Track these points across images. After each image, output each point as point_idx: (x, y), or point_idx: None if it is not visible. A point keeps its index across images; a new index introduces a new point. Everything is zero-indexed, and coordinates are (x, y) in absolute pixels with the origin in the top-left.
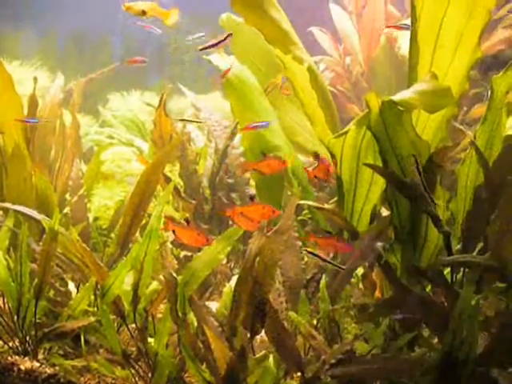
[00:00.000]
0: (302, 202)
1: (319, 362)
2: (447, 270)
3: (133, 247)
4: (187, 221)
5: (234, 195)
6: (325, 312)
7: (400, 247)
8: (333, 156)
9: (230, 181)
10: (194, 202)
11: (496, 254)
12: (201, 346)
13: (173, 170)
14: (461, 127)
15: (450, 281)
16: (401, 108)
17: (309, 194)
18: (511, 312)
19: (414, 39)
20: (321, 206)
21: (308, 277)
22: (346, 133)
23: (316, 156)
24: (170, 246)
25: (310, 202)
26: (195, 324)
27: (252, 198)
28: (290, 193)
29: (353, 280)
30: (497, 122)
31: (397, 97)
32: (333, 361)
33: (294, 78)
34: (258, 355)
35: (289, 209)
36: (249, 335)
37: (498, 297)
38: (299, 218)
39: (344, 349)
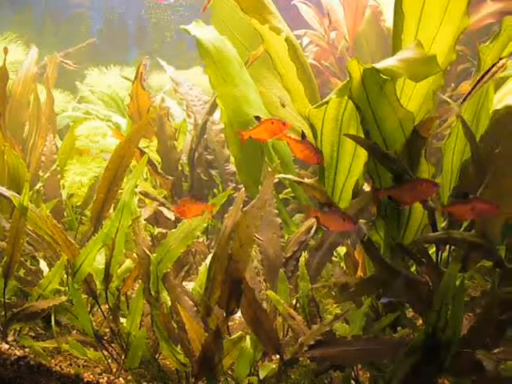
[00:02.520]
0: (279, 176)
1: (298, 343)
2: (433, 250)
3: (104, 223)
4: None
5: (213, 172)
6: (304, 291)
7: (383, 224)
8: (313, 128)
9: (210, 157)
10: (171, 178)
11: (481, 231)
12: (175, 326)
13: (150, 146)
14: (446, 98)
15: (435, 259)
16: (384, 76)
17: (291, 170)
18: (496, 292)
19: (398, 7)
20: (300, 179)
21: (288, 255)
22: (327, 103)
23: (303, 136)
24: (144, 222)
25: (289, 176)
26: (169, 304)
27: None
28: (270, 169)
29: (335, 259)
30: (484, 94)
31: (380, 64)
32: (311, 342)
33: (271, 50)
34: (233, 336)
35: (266, 183)
36: (224, 315)
37: (483, 277)
38: (281, 196)
39: (323, 330)
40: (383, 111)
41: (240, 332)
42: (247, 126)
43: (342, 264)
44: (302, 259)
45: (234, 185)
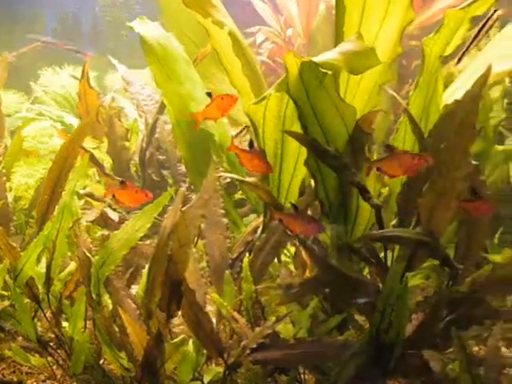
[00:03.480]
0: (222, 174)
1: (241, 346)
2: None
3: (45, 225)
4: (123, 182)
5: (165, 172)
6: (247, 293)
7: (329, 223)
8: (254, 126)
9: (162, 157)
10: (118, 178)
11: (427, 229)
12: (117, 330)
13: (100, 147)
14: (393, 93)
15: (383, 259)
16: (323, 70)
17: (238, 169)
18: (443, 291)
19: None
20: (242, 178)
21: (234, 256)
22: (266, 99)
23: (250, 145)
24: (87, 224)
25: (230, 174)
26: (110, 307)
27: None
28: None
29: (285, 259)
30: (432, 89)
31: (318, 57)
32: (254, 345)
33: (217, 45)
34: (175, 339)
35: (207, 181)
36: (165, 318)
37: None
38: (238, 196)
39: (265, 332)
40: (323, 106)
41: (182, 335)
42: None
43: (291, 265)
44: (245, 260)
45: (186, 185)
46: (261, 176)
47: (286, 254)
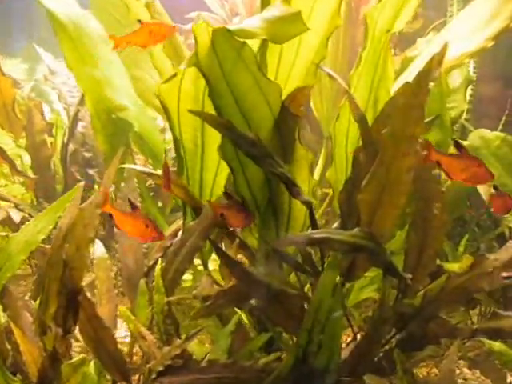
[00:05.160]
0: (125, 165)
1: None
2: None
3: None
4: (132, 204)
5: (91, 171)
6: (159, 305)
7: (257, 225)
8: (167, 111)
9: (88, 155)
10: (33, 177)
11: (366, 230)
12: (9, 347)
13: (19, 142)
14: (330, 72)
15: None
16: (241, 39)
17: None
18: (385, 305)
19: None
20: (151, 171)
21: (150, 263)
22: (178, 77)
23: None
24: None
25: (135, 166)
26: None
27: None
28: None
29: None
30: (380, 71)
31: (233, 25)
32: (160, 368)
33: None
34: (74, 359)
35: (107, 173)
36: (62, 333)
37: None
38: None
39: (173, 353)
40: (242, 84)
41: (82, 354)
42: (112, 115)
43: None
44: (157, 267)
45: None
46: (176, 170)
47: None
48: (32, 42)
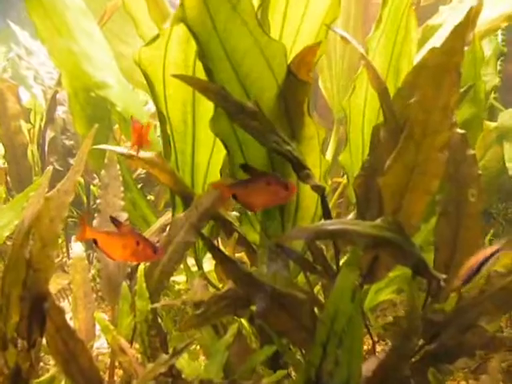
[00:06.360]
0: (101, 146)
1: None
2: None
3: None
4: (115, 221)
5: (73, 161)
6: (142, 313)
7: (259, 217)
8: (150, 82)
9: (69, 143)
10: (3, 166)
11: (392, 220)
12: None
13: None
14: (343, 33)
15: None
16: None
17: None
18: (416, 313)
19: None
20: (131, 152)
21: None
22: (162, 39)
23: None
24: None
25: (114, 147)
26: None
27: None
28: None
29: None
30: (401, 34)
31: None
32: None
33: None
34: (43, 377)
35: (78, 155)
36: (27, 347)
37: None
38: None
39: (157, 370)
40: (239, 43)
41: (52, 371)
42: (92, 93)
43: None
44: (140, 268)
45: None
46: (163, 153)
47: None
48: (9, 23)
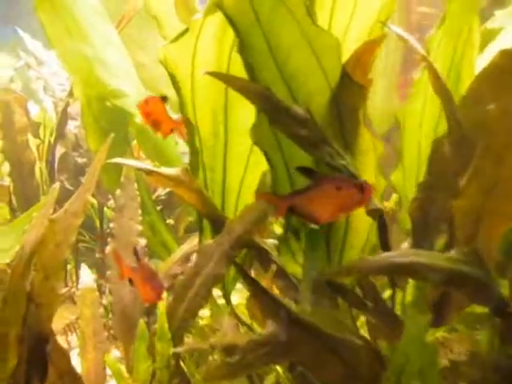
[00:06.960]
0: (117, 159)
1: None
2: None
3: None
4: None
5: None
6: (163, 358)
7: (299, 247)
8: (176, 84)
9: (81, 160)
10: (6, 184)
11: (469, 251)
12: None
13: None
14: (402, 33)
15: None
16: None
17: (171, 161)
18: (492, 355)
19: None
20: (155, 169)
21: None
22: (192, 34)
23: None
24: None
25: (132, 162)
26: None
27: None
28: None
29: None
30: (464, 38)
31: None
32: None
33: None
34: None
35: (91, 170)
36: None
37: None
38: None
39: None
40: (286, 38)
41: None
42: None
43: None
44: (161, 304)
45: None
46: (189, 169)
47: None
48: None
